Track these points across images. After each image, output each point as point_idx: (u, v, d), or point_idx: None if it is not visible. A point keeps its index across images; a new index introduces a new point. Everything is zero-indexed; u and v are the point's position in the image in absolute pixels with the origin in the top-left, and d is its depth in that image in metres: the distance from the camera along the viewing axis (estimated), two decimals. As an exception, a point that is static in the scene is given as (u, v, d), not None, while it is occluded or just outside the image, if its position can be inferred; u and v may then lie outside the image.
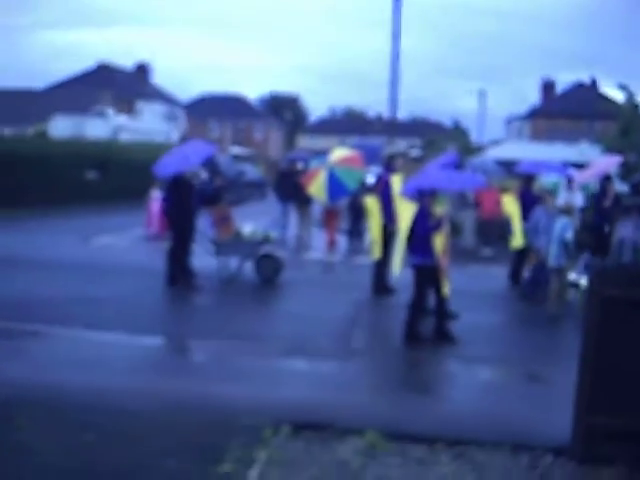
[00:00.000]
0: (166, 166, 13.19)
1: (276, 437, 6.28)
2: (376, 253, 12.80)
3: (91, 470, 5.54)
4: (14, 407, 6.68)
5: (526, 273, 13.64)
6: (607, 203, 14.47)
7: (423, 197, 9.85)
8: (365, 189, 18.88)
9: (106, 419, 6.49)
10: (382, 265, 12.82)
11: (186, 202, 13.00)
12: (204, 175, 17.32)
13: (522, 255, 13.82)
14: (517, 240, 13.36)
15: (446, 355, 9.57)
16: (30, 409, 6.63)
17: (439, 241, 9.85)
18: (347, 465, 5.85)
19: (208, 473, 5.54)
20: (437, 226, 9.79)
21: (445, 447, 6.29)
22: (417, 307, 9.89)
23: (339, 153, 17.22)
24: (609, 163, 17.15)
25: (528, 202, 13.56)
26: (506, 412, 7.38)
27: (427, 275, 9.81)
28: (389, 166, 13.24)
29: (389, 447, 6.20)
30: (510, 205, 13.65)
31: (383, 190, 12.78)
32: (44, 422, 6.36)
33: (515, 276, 14.12)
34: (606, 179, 14.97)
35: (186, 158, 13.18)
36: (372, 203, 12.83)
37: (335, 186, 16.41)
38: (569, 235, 11.48)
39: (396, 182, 12.72)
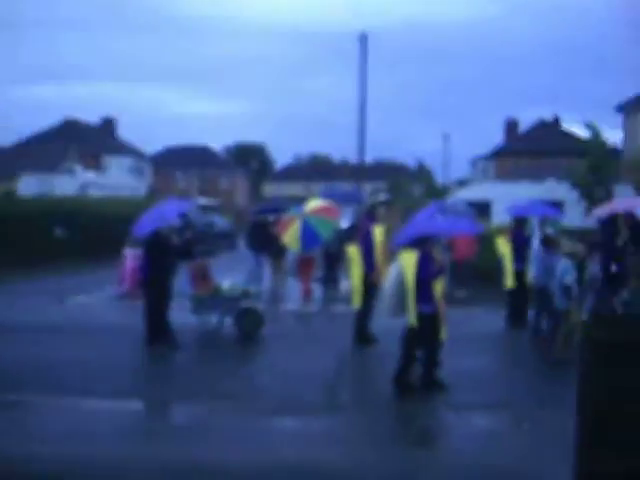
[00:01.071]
0: (143, 226, 13.15)
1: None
2: (356, 302, 12.77)
3: None
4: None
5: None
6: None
7: (425, 244, 9.84)
8: (339, 237, 18.90)
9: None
10: (364, 314, 12.77)
11: (163, 259, 12.90)
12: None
13: (517, 296, 14.09)
14: (509, 281, 14.15)
15: (438, 404, 9.49)
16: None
17: (439, 287, 9.88)
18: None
19: None
20: (440, 272, 9.85)
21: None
22: (430, 355, 9.89)
23: (314, 204, 17.38)
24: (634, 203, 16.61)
25: (520, 243, 14.33)
26: (504, 462, 7.30)
27: (429, 322, 9.77)
28: (371, 215, 13.30)
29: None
30: (503, 246, 14.43)
31: (365, 239, 12.80)
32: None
33: (514, 317, 14.28)
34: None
35: (162, 215, 13.16)
36: (353, 252, 12.85)
37: (309, 235, 16.49)
38: (570, 278, 11.51)
39: (378, 232, 12.79)
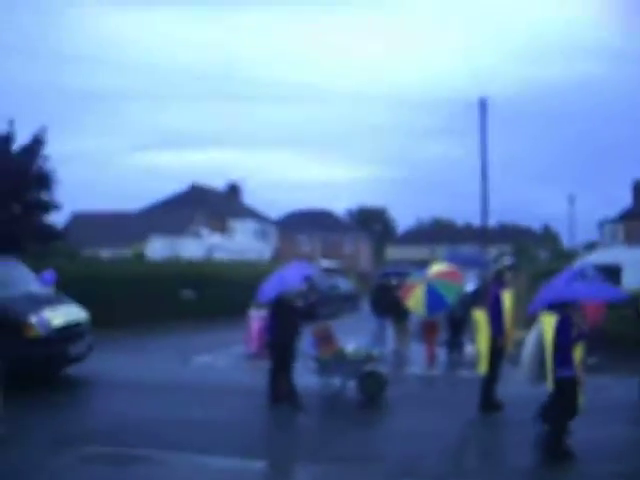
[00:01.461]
0: (267, 291, 13.49)
1: None
2: (483, 368, 12.56)
3: None
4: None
5: None
6: None
7: (565, 308, 9.59)
8: (464, 301, 18.73)
9: None
10: (491, 380, 12.51)
11: (288, 322, 13.04)
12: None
13: None
14: None
15: (571, 474, 9.14)
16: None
17: (578, 353, 9.63)
18: None
19: None
20: (580, 337, 9.58)
21: None
22: (561, 421, 9.56)
23: (438, 268, 17.44)
24: None
25: None
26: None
27: (569, 387, 9.48)
28: (499, 280, 13.02)
29: None
30: None
31: (493, 304, 12.56)
32: None
33: None
34: None
35: (285, 280, 13.39)
36: (480, 317, 12.68)
37: (434, 300, 16.58)
38: None
39: (507, 298, 12.58)
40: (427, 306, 16.83)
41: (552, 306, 9.86)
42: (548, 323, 9.71)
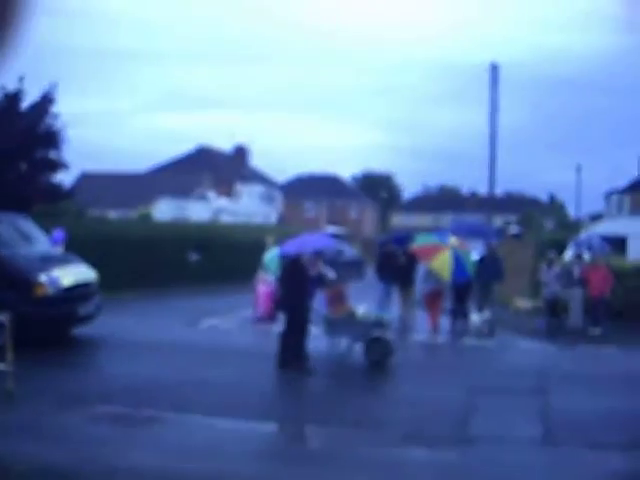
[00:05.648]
0: (290, 248, 14.16)
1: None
2: None
3: None
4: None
5: None
6: None
7: None
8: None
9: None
10: None
11: (303, 284, 13.11)
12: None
13: None
14: None
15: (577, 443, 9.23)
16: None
17: None
18: None
19: None
20: None
21: None
22: None
23: (453, 239, 18.01)
24: None
25: None
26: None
27: None
28: None
29: None
30: None
31: None
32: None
33: None
34: None
35: (305, 243, 13.89)
36: None
37: (460, 268, 17.10)
38: None
39: None
40: (453, 272, 17.24)
41: None
42: None
